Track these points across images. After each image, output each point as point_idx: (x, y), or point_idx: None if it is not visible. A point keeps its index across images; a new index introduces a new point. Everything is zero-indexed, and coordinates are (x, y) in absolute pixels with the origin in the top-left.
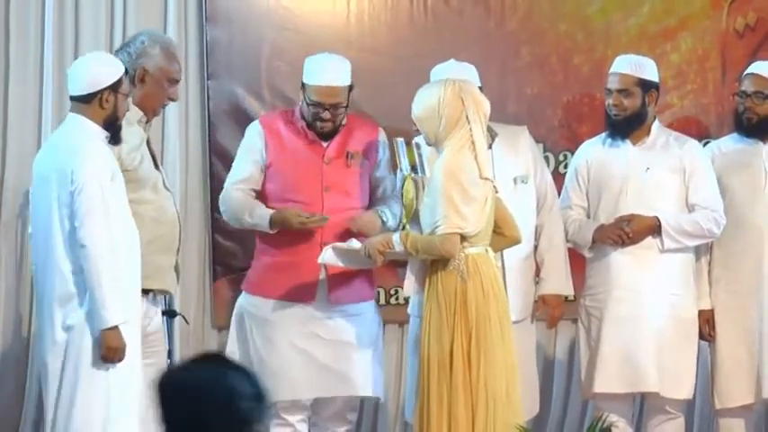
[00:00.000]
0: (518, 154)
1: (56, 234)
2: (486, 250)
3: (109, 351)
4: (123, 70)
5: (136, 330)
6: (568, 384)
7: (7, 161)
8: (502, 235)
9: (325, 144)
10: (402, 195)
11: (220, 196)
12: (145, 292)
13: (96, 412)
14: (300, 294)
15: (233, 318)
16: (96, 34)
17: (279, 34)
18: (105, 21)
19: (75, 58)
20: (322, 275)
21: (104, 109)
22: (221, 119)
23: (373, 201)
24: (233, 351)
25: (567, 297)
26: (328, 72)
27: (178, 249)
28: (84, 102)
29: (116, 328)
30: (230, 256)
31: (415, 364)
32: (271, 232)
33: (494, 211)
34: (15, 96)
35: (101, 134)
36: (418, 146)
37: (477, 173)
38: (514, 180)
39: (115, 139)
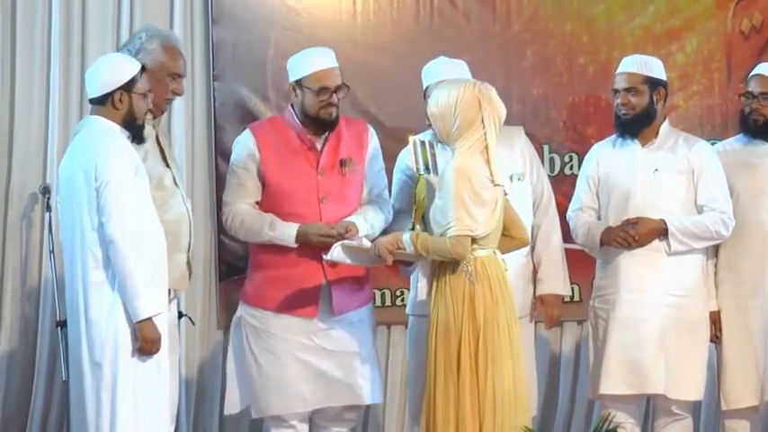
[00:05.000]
0: (513, 152)
1: (87, 232)
2: (495, 252)
3: (146, 343)
4: (137, 70)
5: (164, 326)
6: (574, 384)
7: (13, 164)
8: (510, 237)
9: (318, 146)
10: (415, 195)
11: (227, 214)
12: None
13: (128, 406)
14: (303, 309)
15: (231, 327)
16: (103, 36)
17: (284, 35)
18: (112, 23)
19: (82, 61)
20: (323, 287)
21: (119, 109)
22: (227, 119)
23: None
24: (231, 360)
25: (572, 298)
26: (321, 57)
27: (189, 247)
28: (99, 103)
29: (150, 319)
30: (236, 256)
31: (415, 365)
32: (293, 246)
33: (503, 214)
34: (21, 100)
35: (121, 132)
36: (432, 146)
37: (489, 176)
38: (511, 177)
39: (138, 138)
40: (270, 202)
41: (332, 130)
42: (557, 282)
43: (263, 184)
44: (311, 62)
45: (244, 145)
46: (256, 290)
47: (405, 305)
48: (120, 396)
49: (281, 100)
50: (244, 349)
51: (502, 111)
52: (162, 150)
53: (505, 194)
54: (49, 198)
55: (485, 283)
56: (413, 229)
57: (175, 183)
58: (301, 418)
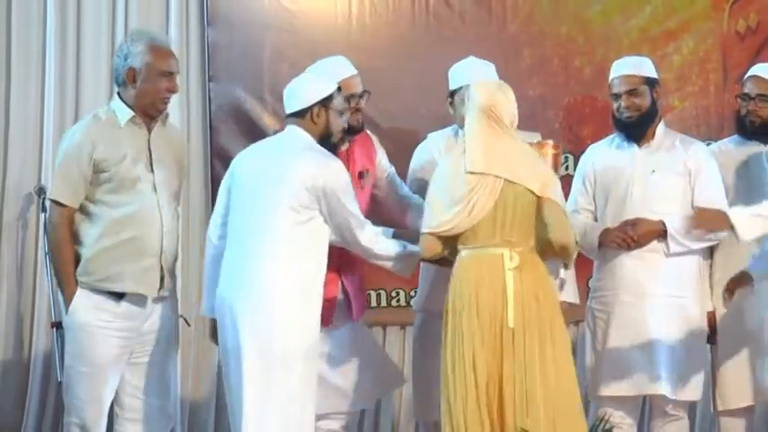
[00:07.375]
0: None
1: (291, 232)
2: (503, 254)
3: None
4: (335, 88)
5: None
6: None
7: (9, 165)
8: (548, 242)
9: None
10: None
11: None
12: (119, 295)
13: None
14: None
15: None
16: (98, 38)
17: (280, 36)
18: (107, 25)
19: (77, 62)
20: (340, 297)
21: (316, 124)
22: (222, 121)
23: (401, 196)
24: None
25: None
26: (344, 66)
27: (160, 253)
28: (298, 116)
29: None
30: None
31: (421, 363)
32: None
33: (525, 214)
34: (17, 101)
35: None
36: None
37: (463, 169)
38: None
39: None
40: None
41: (352, 136)
42: (567, 290)
43: None
44: (341, 70)
45: None
46: None
47: (401, 306)
48: (293, 397)
49: (277, 101)
50: None
51: (481, 96)
52: (150, 155)
53: (534, 193)
54: (44, 199)
55: (455, 286)
56: None
57: (154, 188)
58: None
